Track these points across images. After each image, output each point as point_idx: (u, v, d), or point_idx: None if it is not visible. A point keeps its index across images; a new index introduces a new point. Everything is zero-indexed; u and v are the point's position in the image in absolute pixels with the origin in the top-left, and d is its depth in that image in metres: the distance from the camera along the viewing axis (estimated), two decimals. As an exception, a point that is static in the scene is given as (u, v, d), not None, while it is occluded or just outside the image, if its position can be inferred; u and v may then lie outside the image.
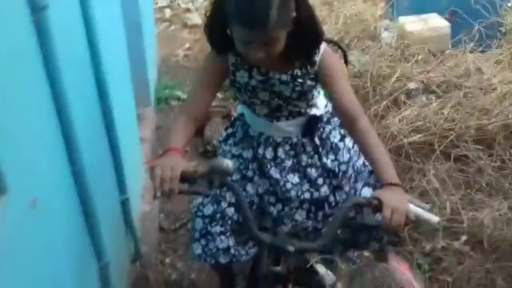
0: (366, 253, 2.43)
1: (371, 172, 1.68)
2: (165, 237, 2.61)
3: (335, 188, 1.68)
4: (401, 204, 1.25)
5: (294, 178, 1.65)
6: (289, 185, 1.64)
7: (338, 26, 4.11)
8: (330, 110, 1.73)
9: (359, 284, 2.05)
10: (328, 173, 1.67)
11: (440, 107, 3.05)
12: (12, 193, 0.84)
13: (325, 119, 1.71)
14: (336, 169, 1.67)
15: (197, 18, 4.93)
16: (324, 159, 1.67)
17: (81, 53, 1.49)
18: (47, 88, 1.09)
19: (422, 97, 3.32)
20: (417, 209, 1.34)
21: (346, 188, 1.67)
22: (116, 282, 1.68)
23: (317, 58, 1.47)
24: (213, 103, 3.54)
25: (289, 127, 1.66)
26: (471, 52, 3.61)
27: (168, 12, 5.20)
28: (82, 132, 1.26)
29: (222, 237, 1.63)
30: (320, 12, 4.27)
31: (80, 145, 1.23)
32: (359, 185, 1.68)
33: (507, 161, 2.79)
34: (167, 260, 2.47)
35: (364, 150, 1.44)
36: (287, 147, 1.68)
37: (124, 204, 1.99)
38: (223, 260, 1.64)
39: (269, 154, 1.67)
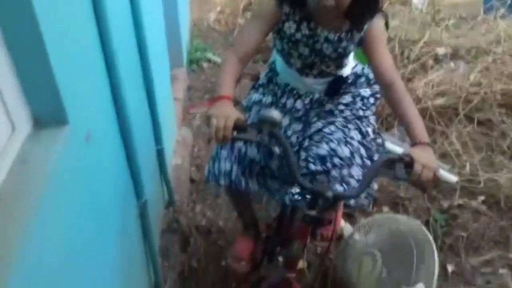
0: (385, 208, 2.57)
1: (362, 119, 1.78)
2: (195, 188, 2.79)
3: (328, 123, 1.74)
4: (431, 161, 1.34)
5: (297, 126, 1.76)
6: (289, 132, 1.75)
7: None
8: (358, 71, 1.81)
9: (375, 233, 2.19)
10: (326, 114, 1.77)
11: (467, 72, 3.07)
12: (71, 125, 1.00)
13: (350, 80, 1.79)
14: (334, 110, 1.76)
15: (229, -18, 4.99)
16: (328, 105, 1.77)
17: (125, 15, 1.62)
18: (100, 47, 1.24)
19: (450, 62, 3.34)
20: (439, 170, 1.44)
21: (338, 124, 1.73)
22: (153, 221, 1.87)
23: (366, 26, 1.55)
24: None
25: (316, 85, 1.76)
26: (502, 18, 3.58)
27: (200, -25, 5.27)
28: (127, 84, 1.41)
29: (227, 162, 1.74)
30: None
31: (125, 94, 1.38)
32: (352, 126, 1.74)
33: (530, 125, 2.82)
34: (197, 209, 2.66)
35: (398, 110, 1.51)
36: (307, 101, 1.78)
37: (160, 154, 2.17)
38: (222, 181, 1.74)
39: (290, 104, 1.78)
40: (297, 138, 1.76)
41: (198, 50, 3.96)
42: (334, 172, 1.67)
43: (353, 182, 1.68)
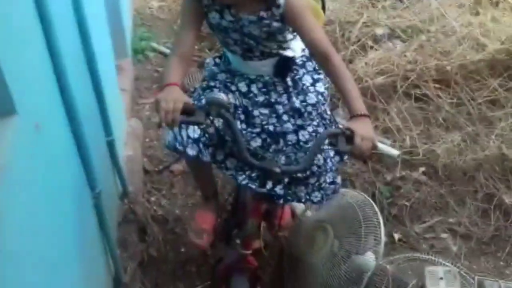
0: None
1: (333, 121, 1.86)
2: (149, 178, 2.80)
3: (298, 127, 1.78)
4: (369, 133, 1.43)
5: (263, 110, 1.81)
6: (256, 113, 1.80)
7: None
8: (307, 54, 1.85)
9: (325, 208, 2.30)
10: (294, 112, 1.81)
11: (403, 51, 3.24)
12: (20, 115, 1.00)
13: (299, 62, 1.84)
14: (303, 109, 1.80)
15: (169, -30, 4.93)
16: (294, 99, 1.81)
17: (67, 5, 1.60)
18: (43, 38, 1.24)
19: (388, 42, 3.50)
20: (379, 144, 1.54)
21: (310, 129, 1.77)
22: (108, 212, 1.87)
23: (282, 0, 1.57)
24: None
25: (262, 67, 1.80)
26: (435, -3, 3.78)
27: (140, -36, 5.17)
28: (72, 75, 1.40)
29: (196, 127, 1.70)
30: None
31: (71, 86, 1.38)
32: (321, 129, 1.79)
33: (463, 98, 3.03)
34: (153, 199, 2.67)
35: (336, 83, 1.56)
36: (260, 84, 1.83)
37: (110, 145, 2.16)
38: (190, 151, 1.69)
39: (243, 88, 1.82)
40: (261, 121, 1.79)
41: (143, 39, 3.90)
42: (311, 180, 1.76)
43: (329, 188, 1.80)
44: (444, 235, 2.50)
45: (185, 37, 1.65)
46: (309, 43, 1.61)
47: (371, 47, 3.37)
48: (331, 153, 1.81)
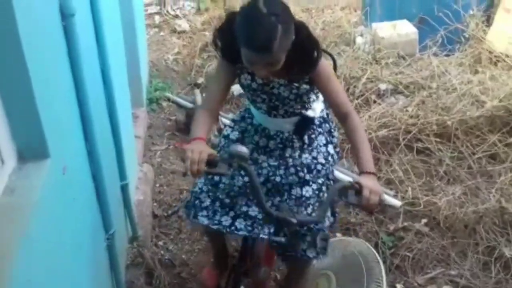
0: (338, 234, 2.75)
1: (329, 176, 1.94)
2: (158, 223, 2.88)
3: (304, 182, 1.86)
4: (377, 187, 1.54)
5: (273, 162, 1.90)
6: (264, 164, 1.90)
7: (316, 31, 4.44)
8: (325, 115, 1.98)
9: (330, 256, 2.35)
10: (303, 167, 1.87)
11: (405, 105, 3.38)
12: (52, 158, 1.12)
13: (317, 122, 1.94)
14: (312, 166, 1.87)
15: (185, 25, 5.22)
16: (306, 155, 1.90)
17: (94, 61, 1.77)
18: (74, 91, 1.38)
19: (391, 97, 3.66)
20: (384, 194, 1.64)
21: (314, 186, 1.85)
22: (119, 255, 1.96)
23: (310, 71, 1.66)
24: (200, 103, 3.84)
25: (284, 124, 1.88)
26: (436, 55, 3.98)
27: (157, 19, 5.48)
28: (96, 123, 1.54)
29: (206, 197, 1.86)
30: (300, 18, 4.60)
31: (95, 133, 1.52)
32: (324, 188, 1.88)
33: (464, 152, 3.13)
34: (161, 243, 2.74)
35: (352, 140, 1.69)
36: (278, 140, 1.91)
37: (124, 189, 2.27)
38: (203, 219, 1.83)
39: (262, 143, 1.92)
40: (268, 171, 1.89)
41: (158, 89, 4.10)
42: (308, 237, 1.80)
43: (323, 244, 1.78)
44: (445, 287, 2.52)
45: (215, 94, 1.77)
46: (333, 104, 1.73)
47: (375, 101, 3.53)
48: (328, 213, 1.89)
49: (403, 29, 4.27)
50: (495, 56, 4.04)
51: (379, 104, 3.45)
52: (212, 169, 1.51)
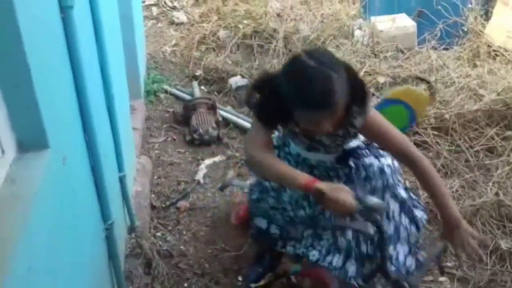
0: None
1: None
2: (156, 214, 2.89)
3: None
4: (469, 240, 1.45)
5: None
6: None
7: (315, 24, 4.43)
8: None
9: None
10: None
11: (403, 99, 3.38)
12: (52, 149, 1.13)
13: (362, 146, 1.79)
14: (368, 185, 1.74)
15: (183, 17, 5.20)
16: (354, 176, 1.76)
17: (92, 52, 1.77)
18: (73, 82, 1.38)
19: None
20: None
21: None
22: (117, 244, 1.96)
23: (359, 122, 1.53)
24: (198, 95, 3.86)
25: (324, 158, 1.77)
26: (435, 49, 3.98)
27: (155, 10, 5.45)
28: (95, 115, 1.54)
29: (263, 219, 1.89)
30: (299, 11, 4.59)
31: (94, 124, 1.52)
32: (387, 195, 1.77)
33: (461, 145, 3.15)
34: (159, 234, 2.75)
35: (426, 187, 1.57)
36: (322, 169, 1.79)
37: (122, 180, 2.27)
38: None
39: (305, 171, 1.69)
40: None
41: (155, 81, 4.09)
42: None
43: (401, 258, 1.76)
44: (442, 279, 2.54)
45: (261, 141, 1.60)
46: (394, 153, 1.62)
47: (373, 95, 3.53)
48: (403, 218, 1.79)
49: (402, 23, 4.26)
50: (493, 50, 4.04)
51: (378, 97, 3.45)
52: (347, 223, 1.47)
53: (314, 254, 1.75)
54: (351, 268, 1.71)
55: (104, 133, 1.94)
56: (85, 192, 1.53)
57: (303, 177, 1.49)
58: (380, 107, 2.60)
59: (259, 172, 1.79)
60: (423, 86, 2.98)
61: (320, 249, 1.75)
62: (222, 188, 2.84)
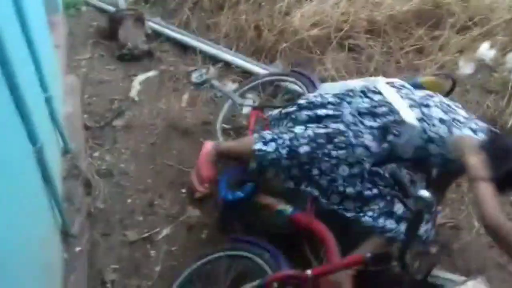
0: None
1: None
2: (91, 134, 2.80)
3: None
4: None
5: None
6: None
7: None
8: None
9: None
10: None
11: (336, 2, 3.35)
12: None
13: None
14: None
15: None
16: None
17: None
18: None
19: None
20: None
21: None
22: (51, 168, 1.89)
23: None
24: (123, 6, 3.60)
25: None
26: None
27: None
28: (5, 32, 1.39)
29: None
30: None
31: (3, 41, 1.37)
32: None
33: (393, 47, 3.21)
34: (96, 154, 2.69)
35: None
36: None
37: (48, 101, 2.14)
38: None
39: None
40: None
41: (74, -7, 3.76)
42: None
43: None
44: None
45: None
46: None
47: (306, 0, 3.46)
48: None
49: None
50: None
51: (311, 1, 3.39)
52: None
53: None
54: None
55: (19, 51, 1.78)
56: (4, 114, 1.42)
57: None
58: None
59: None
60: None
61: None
62: (198, 85, 2.78)
